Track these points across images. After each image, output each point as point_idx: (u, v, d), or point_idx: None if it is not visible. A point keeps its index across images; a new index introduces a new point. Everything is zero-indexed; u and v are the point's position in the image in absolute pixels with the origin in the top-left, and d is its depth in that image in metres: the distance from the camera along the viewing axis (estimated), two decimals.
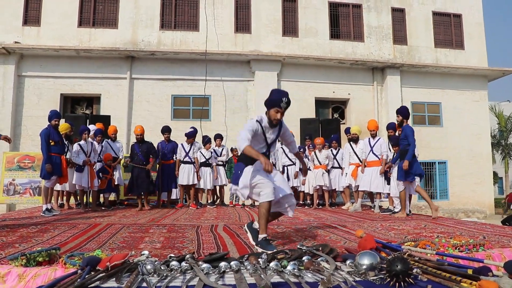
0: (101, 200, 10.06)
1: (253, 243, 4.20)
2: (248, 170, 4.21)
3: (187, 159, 10.22)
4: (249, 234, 4.34)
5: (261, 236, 4.12)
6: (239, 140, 4.07)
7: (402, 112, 7.89)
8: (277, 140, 4.51)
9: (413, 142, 7.54)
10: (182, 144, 10.29)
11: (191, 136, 10.32)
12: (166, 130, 10.36)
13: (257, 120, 4.25)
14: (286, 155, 10.35)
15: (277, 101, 4.16)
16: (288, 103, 4.19)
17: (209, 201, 10.87)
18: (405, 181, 7.68)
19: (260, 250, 3.93)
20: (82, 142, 9.13)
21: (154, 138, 12.25)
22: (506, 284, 2.43)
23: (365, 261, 2.87)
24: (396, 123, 8.47)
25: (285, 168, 10.35)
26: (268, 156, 4.40)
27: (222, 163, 10.93)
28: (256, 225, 4.37)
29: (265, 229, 4.14)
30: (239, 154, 4.10)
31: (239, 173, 4.26)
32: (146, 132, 15.10)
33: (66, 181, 8.56)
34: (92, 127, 10.10)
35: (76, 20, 16.11)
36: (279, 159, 10.50)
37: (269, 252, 3.60)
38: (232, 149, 11.34)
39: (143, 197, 9.63)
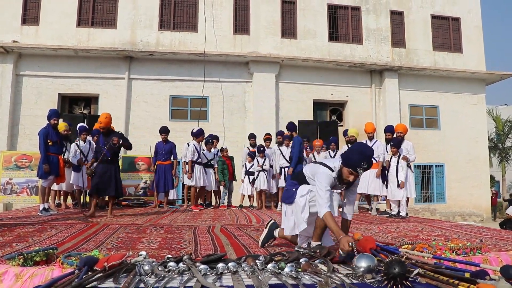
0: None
1: (260, 244, 4.41)
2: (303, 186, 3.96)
3: (198, 160, 10.14)
4: (264, 233, 4.44)
5: (315, 243, 3.90)
6: (321, 203, 3.66)
7: (290, 127, 9.95)
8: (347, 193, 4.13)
9: (296, 152, 9.27)
10: (194, 144, 10.15)
11: (200, 134, 10.25)
12: (163, 130, 10.32)
13: (334, 177, 3.85)
14: (283, 156, 10.34)
15: (356, 164, 3.71)
16: (367, 168, 3.76)
17: (206, 202, 10.85)
18: None
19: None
20: (80, 142, 9.13)
21: (152, 138, 12.30)
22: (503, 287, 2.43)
23: (363, 264, 2.87)
24: (289, 133, 10.18)
25: (282, 169, 10.34)
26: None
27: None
28: (276, 232, 4.37)
29: (319, 238, 3.94)
30: (321, 217, 3.67)
31: (294, 190, 4.00)
32: (143, 133, 15.16)
33: (63, 181, 8.57)
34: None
35: (75, 20, 16.09)
36: (277, 160, 10.50)
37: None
38: (222, 149, 11.21)
39: (103, 200, 9.02)
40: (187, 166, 10.26)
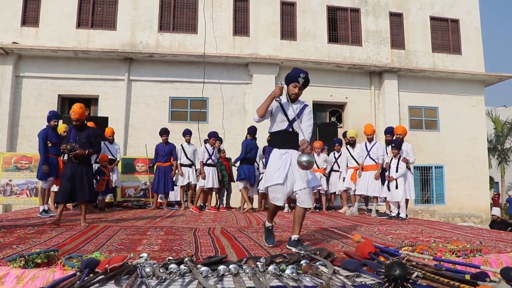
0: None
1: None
2: (272, 158, 4.52)
3: (210, 161, 10.17)
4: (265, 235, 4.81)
5: (294, 236, 4.46)
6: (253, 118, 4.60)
7: (248, 130, 10.43)
8: (300, 119, 4.53)
9: (242, 153, 10.03)
10: (205, 146, 10.26)
11: (211, 137, 10.31)
12: (164, 132, 10.37)
13: (277, 100, 4.44)
14: None
15: (295, 76, 4.49)
16: (305, 79, 4.48)
17: (200, 204, 10.81)
18: (242, 180, 10.00)
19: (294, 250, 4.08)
20: None
21: (152, 140, 12.29)
22: None
23: (304, 158, 4.03)
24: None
25: None
26: (293, 133, 4.54)
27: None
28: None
29: (271, 221, 4.82)
30: (256, 122, 4.72)
31: (267, 156, 4.64)
32: (143, 134, 15.12)
33: None
34: None
35: (75, 21, 16.09)
36: None
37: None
38: (219, 151, 11.22)
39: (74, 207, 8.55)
40: (183, 168, 10.31)
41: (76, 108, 6.64)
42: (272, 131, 4.62)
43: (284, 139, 4.53)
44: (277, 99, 4.41)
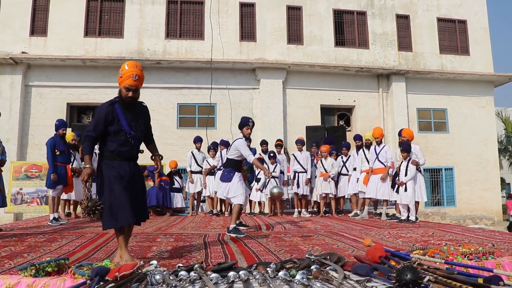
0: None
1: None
2: (237, 177, 6.21)
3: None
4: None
5: (232, 226, 6.03)
6: (250, 155, 6.16)
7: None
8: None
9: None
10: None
11: (223, 144, 10.42)
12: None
13: (245, 140, 6.29)
14: (298, 162, 10.30)
15: (246, 122, 6.27)
16: (253, 123, 6.41)
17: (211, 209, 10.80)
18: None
19: (233, 235, 5.87)
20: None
21: (161, 147, 12.24)
22: None
23: (274, 190, 6.59)
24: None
25: (297, 174, 10.29)
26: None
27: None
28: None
29: (235, 221, 6.17)
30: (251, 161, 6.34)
31: (231, 175, 6.21)
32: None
33: (71, 190, 8.61)
34: None
35: (82, 30, 16.24)
36: (291, 165, 10.46)
37: (241, 236, 5.82)
38: None
39: None
40: (193, 175, 10.30)
41: (138, 69, 4.06)
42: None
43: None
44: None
